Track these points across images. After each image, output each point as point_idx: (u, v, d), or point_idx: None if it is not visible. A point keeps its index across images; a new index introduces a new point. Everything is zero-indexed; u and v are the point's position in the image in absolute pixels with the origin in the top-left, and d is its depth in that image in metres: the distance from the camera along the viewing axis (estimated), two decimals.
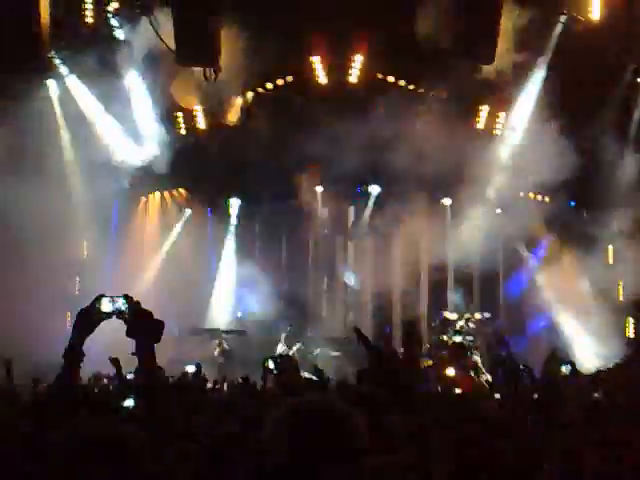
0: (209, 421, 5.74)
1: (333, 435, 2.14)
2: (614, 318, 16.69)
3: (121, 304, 3.41)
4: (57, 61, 16.64)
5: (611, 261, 18.00)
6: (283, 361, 4.93)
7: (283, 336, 18.33)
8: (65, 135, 17.66)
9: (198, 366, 8.64)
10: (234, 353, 18.11)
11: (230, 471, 3.89)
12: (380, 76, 18.27)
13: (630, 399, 5.03)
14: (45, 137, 17.01)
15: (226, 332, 18.76)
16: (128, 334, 3.36)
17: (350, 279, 20.08)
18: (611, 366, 12.86)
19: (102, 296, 3.46)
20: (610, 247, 17.86)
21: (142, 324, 3.37)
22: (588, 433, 4.24)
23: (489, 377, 15.79)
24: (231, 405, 6.85)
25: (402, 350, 10.72)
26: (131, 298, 3.44)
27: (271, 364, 6.00)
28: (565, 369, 5.29)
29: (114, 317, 3.43)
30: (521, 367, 5.47)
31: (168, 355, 16.08)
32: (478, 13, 14.73)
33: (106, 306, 3.42)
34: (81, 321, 3.43)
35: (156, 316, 3.40)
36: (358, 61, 17.77)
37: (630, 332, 16.87)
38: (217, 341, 18.45)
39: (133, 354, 3.40)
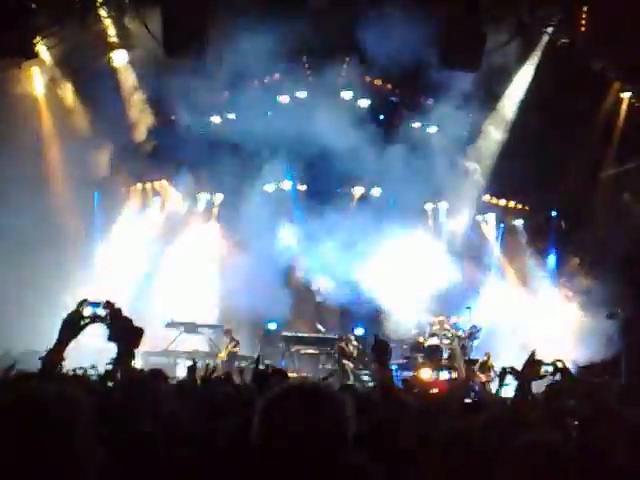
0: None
1: (329, 417, 2.14)
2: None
3: (101, 309, 3.55)
4: (42, 47, 16.49)
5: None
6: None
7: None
8: (47, 122, 17.51)
9: (194, 361, 8.60)
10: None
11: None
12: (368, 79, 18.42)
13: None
14: (26, 124, 16.81)
15: (203, 326, 18.66)
16: (110, 339, 3.58)
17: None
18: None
19: (85, 301, 3.59)
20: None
21: (122, 330, 3.55)
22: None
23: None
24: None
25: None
26: (112, 304, 3.62)
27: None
28: (545, 370, 5.27)
29: (97, 322, 3.60)
30: (507, 369, 5.41)
31: (144, 347, 16.02)
32: (463, 19, 14.80)
33: (88, 310, 3.56)
34: (67, 326, 3.54)
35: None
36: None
37: None
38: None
39: (108, 364, 3.62)
